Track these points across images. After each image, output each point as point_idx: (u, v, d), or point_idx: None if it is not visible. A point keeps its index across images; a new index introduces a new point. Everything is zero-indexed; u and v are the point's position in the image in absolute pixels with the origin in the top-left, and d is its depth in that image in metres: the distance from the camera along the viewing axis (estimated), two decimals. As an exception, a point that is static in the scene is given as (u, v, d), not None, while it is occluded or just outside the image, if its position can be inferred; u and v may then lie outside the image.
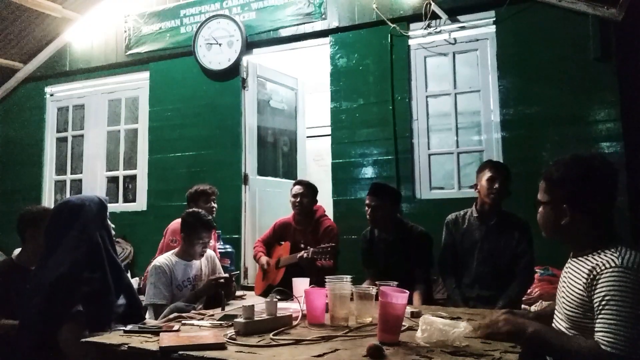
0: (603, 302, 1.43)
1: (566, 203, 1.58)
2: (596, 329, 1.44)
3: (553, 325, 1.69)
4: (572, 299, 1.56)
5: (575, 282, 1.57)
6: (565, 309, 1.59)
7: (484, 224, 2.96)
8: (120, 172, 5.87)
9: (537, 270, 3.57)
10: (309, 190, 3.79)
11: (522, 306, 3.14)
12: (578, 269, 1.58)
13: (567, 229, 1.60)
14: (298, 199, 3.76)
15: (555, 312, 1.71)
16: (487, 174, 2.93)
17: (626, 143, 3.77)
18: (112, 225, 2.31)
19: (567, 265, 1.68)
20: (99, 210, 2.18)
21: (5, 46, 5.98)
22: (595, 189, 1.57)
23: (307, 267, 3.35)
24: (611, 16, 3.77)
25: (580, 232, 1.59)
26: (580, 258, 1.60)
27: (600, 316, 1.44)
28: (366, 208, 3.20)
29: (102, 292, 2.05)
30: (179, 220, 3.24)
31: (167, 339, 1.64)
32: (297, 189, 3.80)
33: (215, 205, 4.12)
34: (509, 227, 2.89)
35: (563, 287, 1.65)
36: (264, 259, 3.83)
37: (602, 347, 1.39)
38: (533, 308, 3.27)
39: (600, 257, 1.51)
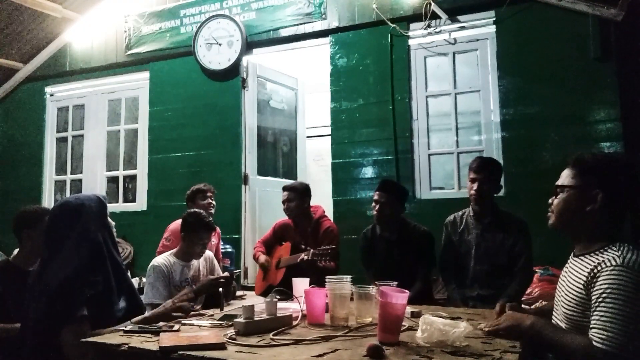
0: (599, 299, 1.43)
1: (599, 188, 1.57)
2: (590, 325, 1.44)
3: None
4: (571, 298, 1.56)
5: (576, 280, 1.56)
6: (564, 307, 1.59)
7: (480, 223, 2.96)
8: (120, 172, 5.87)
9: (537, 270, 3.57)
10: (294, 194, 3.77)
11: (522, 306, 3.13)
12: (579, 267, 1.57)
13: (587, 217, 1.58)
14: (285, 205, 3.80)
15: (554, 311, 1.70)
16: (469, 175, 2.95)
17: (626, 143, 3.77)
18: (113, 223, 2.26)
19: (567, 264, 1.68)
20: (99, 209, 2.11)
21: (5, 46, 5.98)
22: (626, 181, 1.58)
23: (308, 269, 3.34)
24: (611, 16, 3.77)
25: (596, 222, 1.58)
26: (582, 257, 1.60)
27: (595, 312, 1.44)
28: (373, 204, 3.18)
29: (105, 294, 2.00)
30: (179, 221, 3.24)
31: (167, 339, 1.64)
32: (283, 195, 3.82)
33: (214, 202, 4.13)
34: (505, 226, 2.89)
35: (563, 285, 1.65)
36: (262, 257, 3.83)
37: (595, 343, 1.40)
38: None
39: (602, 256, 1.51)
